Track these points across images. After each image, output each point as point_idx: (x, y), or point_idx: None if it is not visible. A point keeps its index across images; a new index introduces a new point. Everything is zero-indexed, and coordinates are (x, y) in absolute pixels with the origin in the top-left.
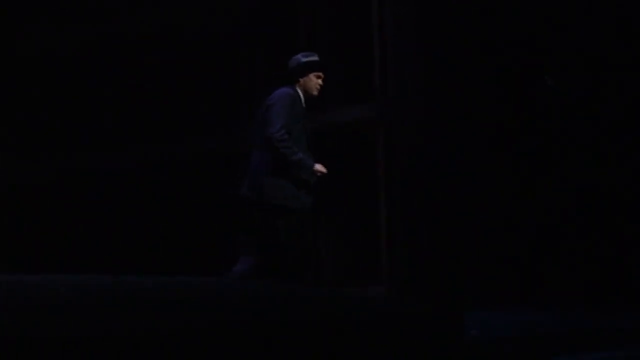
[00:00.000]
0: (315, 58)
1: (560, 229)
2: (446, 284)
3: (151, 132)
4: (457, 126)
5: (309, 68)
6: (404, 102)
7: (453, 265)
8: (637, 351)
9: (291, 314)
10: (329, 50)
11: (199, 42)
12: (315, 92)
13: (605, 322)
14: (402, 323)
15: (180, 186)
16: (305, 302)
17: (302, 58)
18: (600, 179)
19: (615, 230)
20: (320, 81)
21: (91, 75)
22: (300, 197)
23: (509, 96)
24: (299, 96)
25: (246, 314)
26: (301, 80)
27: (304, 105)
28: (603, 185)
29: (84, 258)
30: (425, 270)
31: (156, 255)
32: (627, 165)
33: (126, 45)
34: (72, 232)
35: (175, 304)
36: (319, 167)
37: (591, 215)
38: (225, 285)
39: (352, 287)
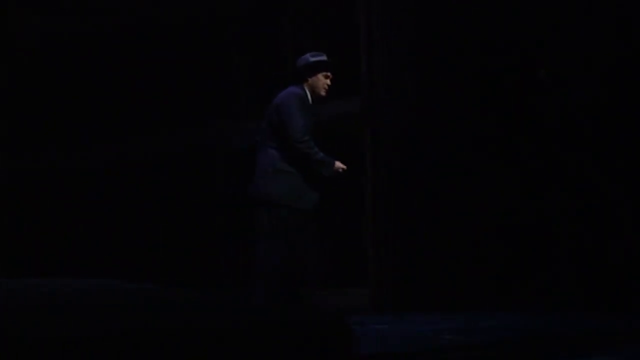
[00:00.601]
0: (323, 58)
1: (556, 231)
2: (434, 286)
3: (130, 127)
4: (449, 122)
5: (317, 68)
6: (392, 95)
7: (442, 267)
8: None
9: (149, 320)
10: (313, 45)
11: (178, 38)
12: (323, 93)
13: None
14: (271, 333)
15: (163, 184)
16: (172, 308)
17: (311, 58)
18: (599, 180)
19: (613, 233)
20: (328, 81)
21: (61, 70)
22: (306, 196)
23: (505, 92)
24: (307, 96)
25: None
26: (309, 80)
27: (310, 103)
28: (602, 186)
29: (59, 258)
30: (412, 273)
31: (135, 257)
32: (627, 166)
33: (105, 40)
34: (40, 232)
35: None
36: (339, 163)
37: (589, 218)
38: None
39: (336, 291)
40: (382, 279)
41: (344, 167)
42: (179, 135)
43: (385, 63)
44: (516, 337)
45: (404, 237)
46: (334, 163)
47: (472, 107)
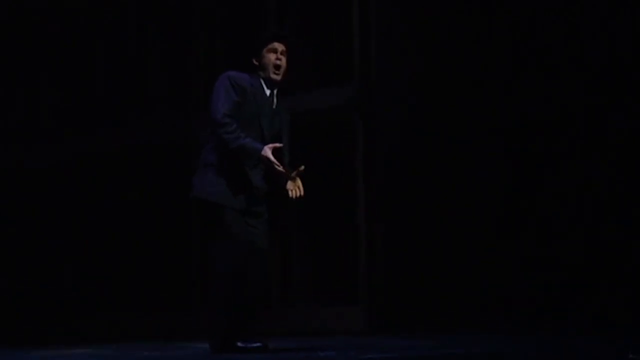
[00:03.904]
0: (269, 32)
1: (559, 235)
2: (430, 303)
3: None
4: (447, 113)
5: (259, 45)
6: (386, 84)
7: (439, 281)
8: None
9: None
10: (301, 27)
11: (153, 22)
12: (272, 74)
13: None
14: None
15: (138, 178)
16: None
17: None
18: (599, 179)
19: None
20: (275, 57)
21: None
22: (241, 194)
23: (506, 83)
24: (257, 82)
25: None
26: (257, 62)
27: (266, 92)
28: (602, 186)
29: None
30: (407, 286)
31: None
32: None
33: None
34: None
35: None
36: (268, 154)
37: (597, 230)
38: None
39: (325, 308)
40: (375, 296)
41: (274, 160)
42: (157, 128)
43: (381, 48)
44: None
45: (399, 246)
46: (259, 149)
47: (476, 97)
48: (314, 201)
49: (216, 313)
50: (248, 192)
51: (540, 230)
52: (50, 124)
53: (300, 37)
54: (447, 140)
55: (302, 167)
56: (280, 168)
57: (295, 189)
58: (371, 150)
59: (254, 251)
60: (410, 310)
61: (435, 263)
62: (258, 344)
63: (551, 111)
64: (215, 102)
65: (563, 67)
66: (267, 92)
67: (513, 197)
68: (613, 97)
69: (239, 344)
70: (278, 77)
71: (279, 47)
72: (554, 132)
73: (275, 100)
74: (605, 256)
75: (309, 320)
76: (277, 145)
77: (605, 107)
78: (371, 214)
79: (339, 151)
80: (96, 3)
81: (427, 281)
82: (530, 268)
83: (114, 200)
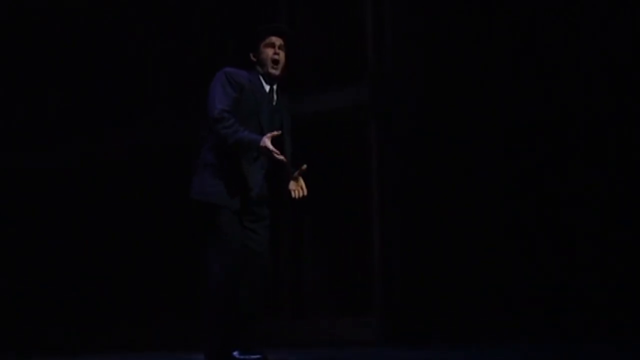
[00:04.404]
0: (266, 26)
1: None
2: (450, 312)
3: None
4: (468, 113)
5: (257, 39)
6: (402, 83)
7: (459, 290)
8: None
9: None
10: (312, 25)
11: (164, 20)
12: (270, 69)
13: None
14: None
15: (138, 183)
16: None
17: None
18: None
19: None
20: (273, 51)
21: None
22: (239, 194)
23: (523, 81)
24: (255, 78)
25: None
26: (254, 58)
27: (265, 88)
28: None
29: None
30: (424, 295)
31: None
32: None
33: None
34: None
35: None
36: (267, 141)
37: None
38: None
39: (338, 317)
40: (390, 305)
41: (274, 149)
42: (160, 129)
43: (395, 47)
44: None
45: (416, 252)
46: (257, 142)
47: (493, 97)
48: (326, 205)
49: (210, 320)
50: (248, 193)
51: (560, 238)
52: (53, 125)
53: (311, 35)
54: (464, 140)
55: (305, 166)
56: (281, 157)
57: (297, 189)
58: (385, 151)
59: (251, 255)
60: (427, 320)
61: (456, 270)
62: (257, 356)
63: (569, 112)
64: (212, 99)
65: (584, 67)
66: (267, 88)
67: (536, 201)
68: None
69: (236, 354)
70: (276, 72)
71: (277, 41)
72: (573, 132)
73: (275, 96)
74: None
75: (321, 330)
76: (276, 133)
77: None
78: (386, 218)
79: (351, 153)
80: (99, 4)
81: (446, 289)
82: (550, 276)
83: (118, 202)
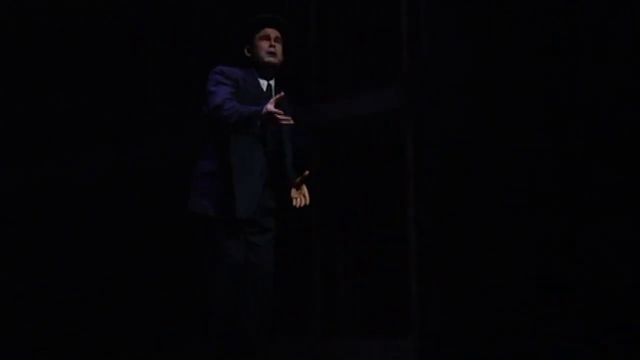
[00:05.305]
0: (258, 17)
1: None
2: (493, 335)
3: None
4: (511, 120)
5: (250, 32)
6: (437, 86)
7: (503, 310)
8: None
9: None
10: (344, 27)
11: (187, 24)
12: (266, 57)
13: None
14: None
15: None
16: None
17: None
18: None
19: None
20: (269, 44)
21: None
22: (238, 203)
23: (563, 82)
24: (250, 75)
25: None
26: (249, 53)
27: (262, 85)
28: None
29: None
30: (465, 316)
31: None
32: None
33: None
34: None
35: None
36: (269, 106)
37: None
38: None
39: (372, 339)
40: (429, 327)
41: (277, 110)
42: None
43: (431, 48)
44: None
45: (456, 269)
46: (259, 113)
47: (538, 101)
48: (360, 217)
49: (210, 339)
50: (249, 202)
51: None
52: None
53: (343, 37)
54: (505, 144)
55: (307, 173)
56: (287, 118)
57: (300, 197)
58: (422, 159)
59: (253, 271)
60: (468, 344)
61: (500, 290)
62: None
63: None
64: (210, 94)
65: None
66: (263, 84)
67: (588, 213)
68: None
69: None
70: (273, 59)
71: (272, 33)
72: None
73: (273, 94)
74: None
75: (353, 352)
76: (280, 96)
77: None
78: (423, 231)
79: (385, 161)
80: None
81: (490, 310)
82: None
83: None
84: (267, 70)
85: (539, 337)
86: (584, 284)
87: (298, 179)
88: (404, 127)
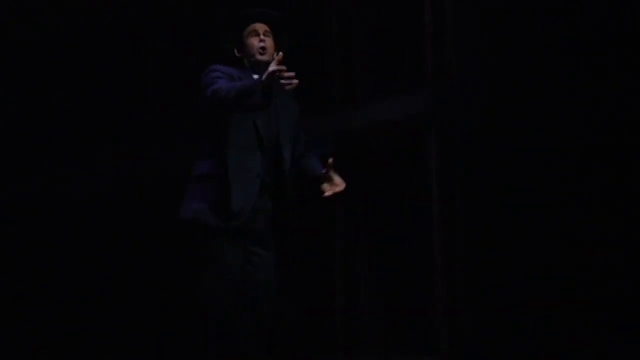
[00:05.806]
0: (243, 13)
1: None
2: (526, 352)
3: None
4: (537, 122)
5: (238, 30)
6: (463, 92)
7: (535, 327)
8: None
9: None
10: (368, 31)
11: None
12: (257, 56)
13: None
14: None
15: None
16: None
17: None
18: None
19: None
20: (259, 39)
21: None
22: (231, 209)
23: (591, 88)
24: (245, 74)
25: None
26: (240, 52)
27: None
28: None
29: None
30: (496, 333)
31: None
32: None
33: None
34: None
35: None
36: (272, 66)
37: None
38: None
39: (398, 357)
40: (458, 344)
41: (279, 67)
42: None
43: (457, 51)
44: None
45: (486, 283)
46: (259, 80)
47: (567, 105)
48: (384, 228)
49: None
50: (245, 202)
51: None
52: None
53: (367, 42)
54: (533, 152)
55: (331, 160)
56: (292, 79)
57: (332, 188)
58: (447, 166)
59: (252, 283)
60: None
61: (532, 305)
62: None
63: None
64: (205, 86)
65: None
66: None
67: (617, 213)
68: None
69: None
70: (265, 57)
71: (261, 28)
72: None
73: None
74: None
75: None
76: (280, 56)
77: None
78: (450, 243)
79: (410, 168)
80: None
81: (521, 326)
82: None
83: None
84: (260, 69)
85: (579, 355)
86: (626, 296)
87: (324, 171)
88: (428, 133)
